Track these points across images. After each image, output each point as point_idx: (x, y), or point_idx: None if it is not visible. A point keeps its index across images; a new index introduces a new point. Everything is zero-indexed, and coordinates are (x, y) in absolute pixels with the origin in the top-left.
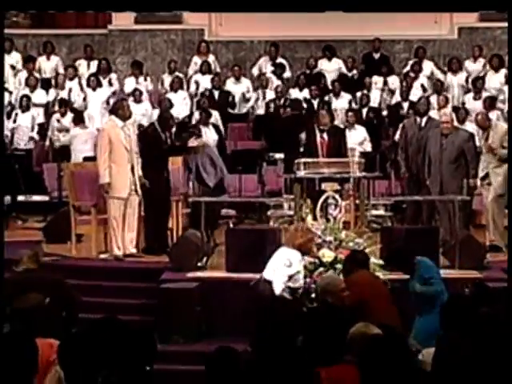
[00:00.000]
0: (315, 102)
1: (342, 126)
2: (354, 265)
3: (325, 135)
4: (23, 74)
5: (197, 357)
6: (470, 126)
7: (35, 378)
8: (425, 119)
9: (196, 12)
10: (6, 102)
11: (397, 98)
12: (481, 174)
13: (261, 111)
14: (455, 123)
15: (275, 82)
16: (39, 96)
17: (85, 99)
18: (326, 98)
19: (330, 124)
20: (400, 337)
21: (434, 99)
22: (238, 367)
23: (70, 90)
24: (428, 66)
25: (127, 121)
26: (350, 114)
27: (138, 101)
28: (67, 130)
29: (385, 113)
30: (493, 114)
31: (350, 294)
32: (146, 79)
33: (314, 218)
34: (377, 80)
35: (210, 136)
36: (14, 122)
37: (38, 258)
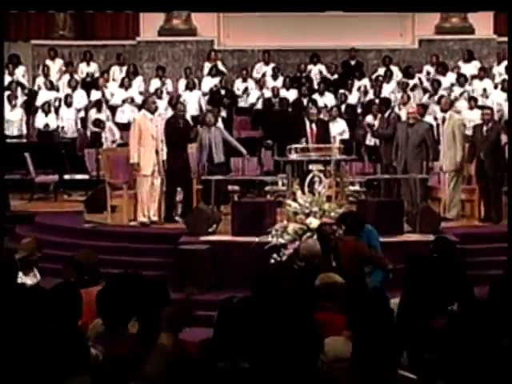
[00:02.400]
0: (305, 100)
1: (326, 119)
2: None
3: (313, 126)
4: (66, 77)
5: (208, 304)
6: (429, 119)
7: (80, 322)
8: (386, 115)
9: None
10: (51, 98)
11: (370, 96)
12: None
13: (259, 106)
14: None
15: (271, 83)
16: (80, 95)
17: (118, 97)
18: (313, 97)
19: (316, 116)
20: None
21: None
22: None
23: (106, 92)
24: (395, 71)
25: (155, 113)
26: (333, 109)
27: (159, 97)
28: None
29: (359, 110)
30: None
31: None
32: (166, 83)
33: (303, 193)
34: (356, 83)
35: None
36: (58, 114)
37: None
